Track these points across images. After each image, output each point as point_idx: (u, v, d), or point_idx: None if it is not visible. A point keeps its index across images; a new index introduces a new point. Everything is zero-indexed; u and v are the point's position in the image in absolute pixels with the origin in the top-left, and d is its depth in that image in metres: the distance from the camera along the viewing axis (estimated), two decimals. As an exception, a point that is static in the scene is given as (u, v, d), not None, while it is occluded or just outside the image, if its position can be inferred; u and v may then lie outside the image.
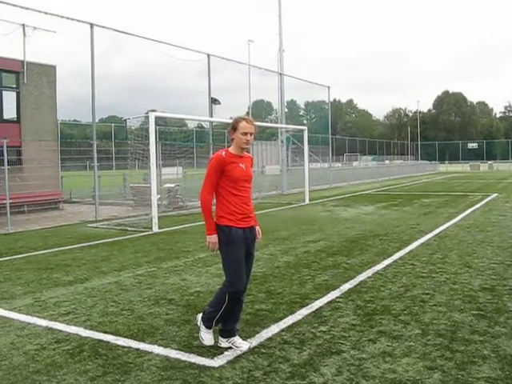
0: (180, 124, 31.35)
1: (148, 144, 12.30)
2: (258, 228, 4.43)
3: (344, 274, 7.05)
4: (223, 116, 19.62)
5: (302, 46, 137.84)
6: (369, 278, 6.84)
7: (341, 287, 6.38)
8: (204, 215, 4.17)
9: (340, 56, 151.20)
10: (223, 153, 4.18)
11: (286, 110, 26.70)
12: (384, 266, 7.53)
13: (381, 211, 15.05)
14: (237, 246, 4.11)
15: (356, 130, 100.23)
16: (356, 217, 13.78)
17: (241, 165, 4.18)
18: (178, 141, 22.95)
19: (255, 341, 4.52)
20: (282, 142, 24.52)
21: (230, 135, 4.25)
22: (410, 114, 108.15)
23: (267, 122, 59.95)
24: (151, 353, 4.35)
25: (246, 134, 4.17)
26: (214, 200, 4.27)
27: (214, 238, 4.14)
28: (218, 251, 4.21)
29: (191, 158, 25.76)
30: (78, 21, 14.09)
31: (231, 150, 4.22)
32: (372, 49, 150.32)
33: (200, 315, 4.53)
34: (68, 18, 13.77)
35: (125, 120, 15.90)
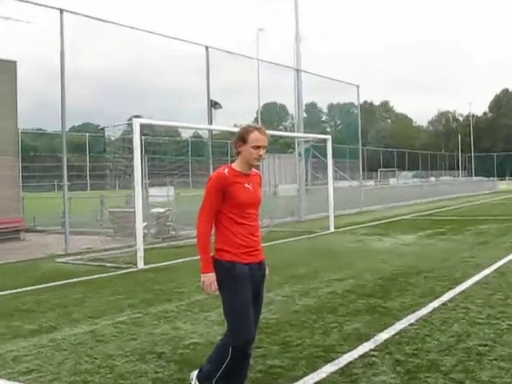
0: (172, 133, 31.79)
1: (131, 158, 12.58)
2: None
3: (379, 321, 7.15)
4: (225, 123, 19.82)
5: (324, 37, 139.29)
6: (411, 325, 6.92)
7: (375, 337, 6.43)
8: (198, 248, 4.26)
9: (371, 49, 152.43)
10: (225, 170, 4.28)
11: (305, 114, 27.09)
12: (430, 310, 7.63)
13: (425, 241, 15.37)
14: (242, 286, 4.19)
15: (393, 140, 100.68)
16: (394, 248, 14.11)
17: (247, 185, 4.29)
18: (170, 154, 23.41)
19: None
20: (300, 155, 24.87)
21: (235, 147, 4.36)
22: (461, 119, 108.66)
23: (281, 130, 60.20)
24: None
25: (258, 147, 4.28)
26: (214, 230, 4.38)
27: (210, 277, 4.23)
28: (218, 293, 4.30)
29: (186, 176, 26.06)
30: (46, 6, 14.10)
31: (236, 166, 4.33)
32: (412, 38, 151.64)
33: (196, 373, 4.57)
34: (30, 2, 13.85)
35: (102, 129, 16.24)
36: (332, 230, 18.73)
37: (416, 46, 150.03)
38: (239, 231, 4.24)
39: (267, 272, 4.55)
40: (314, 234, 17.87)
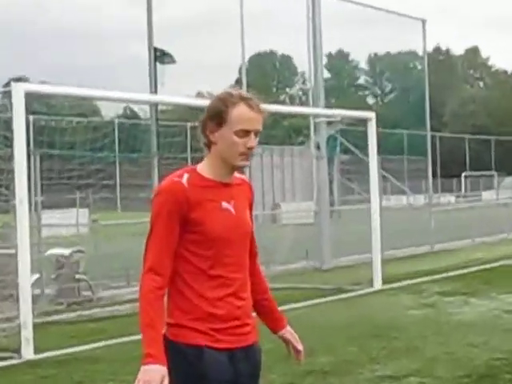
0: (84, 111, 30.95)
1: (10, 157, 12.68)
2: (289, 331, 4.45)
3: None
4: (182, 91, 18.80)
5: None
6: None
7: None
8: (141, 320, 3.89)
9: None
10: (184, 178, 3.96)
11: (327, 73, 24.77)
12: None
13: None
14: None
15: (488, 119, 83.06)
16: (492, 319, 13.79)
17: (225, 205, 4.02)
18: (80, 149, 21.98)
19: None
20: (319, 147, 23.60)
21: (204, 135, 4.03)
22: None
23: (283, 102, 55.53)
24: None
25: (246, 133, 3.94)
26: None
27: (156, 372, 3.85)
28: None
29: (110, 189, 24.75)
30: None
31: (204, 169, 4.06)
32: None
33: None
34: None
35: None
36: (378, 286, 18.19)
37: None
38: (211, 291, 3.99)
39: (300, 348, 4.46)
40: (346, 295, 17.60)
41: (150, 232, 3.95)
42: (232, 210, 4.05)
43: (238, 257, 4.06)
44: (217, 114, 3.98)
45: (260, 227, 21.51)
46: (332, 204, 26.00)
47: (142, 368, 3.87)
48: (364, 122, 19.70)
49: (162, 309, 3.97)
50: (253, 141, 4.00)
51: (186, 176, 4.00)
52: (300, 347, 4.41)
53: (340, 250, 23.42)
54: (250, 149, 4.00)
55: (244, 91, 4.19)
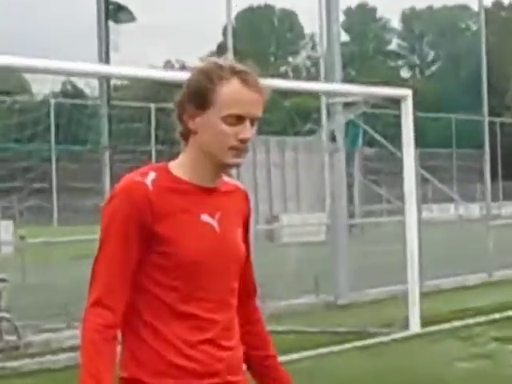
0: (8, 87, 31.18)
1: None
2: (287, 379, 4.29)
3: None
4: (143, 59, 18.97)
5: None
6: None
7: None
8: (82, 370, 3.64)
9: None
10: (149, 178, 3.69)
11: (346, 35, 26.26)
12: None
13: None
14: None
15: None
16: None
17: (205, 217, 3.76)
18: (1, 138, 23.82)
19: None
20: (334, 138, 23.21)
21: (182, 120, 3.73)
22: None
23: (286, 76, 55.90)
24: None
25: (239, 119, 3.66)
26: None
27: None
28: None
29: (42, 195, 25.98)
30: None
31: (178, 168, 3.80)
32: None
33: None
34: None
35: None
36: (416, 328, 18.13)
37: None
38: (182, 334, 3.70)
39: None
40: (372, 340, 17.47)
41: (99, 251, 3.64)
42: (215, 225, 3.69)
43: (220, 291, 3.71)
44: (199, 93, 3.66)
45: (252, 247, 21.30)
46: (352, 216, 25.72)
47: None
48: (397, 102, 19.36)
49: (112, 355, 3.61)
50: (248, 130, 3.65)
51: (151, 175, 3.66)
52: None
53: (362, 280, 22.77)
54: (244, 141, 3.64)
55: (237, 62, 3.83)
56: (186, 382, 3.61)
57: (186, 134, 3.67)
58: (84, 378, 3.51)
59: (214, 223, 3.67)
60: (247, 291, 3.91)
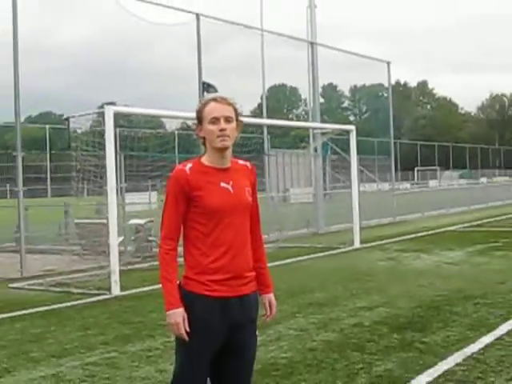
0: (154, 125, 33.24)
1: (103, 157, 13.71)
2: (269, 297, 4.89)
3: (418, 360, 7.78)
4: None
5: (343, 6, 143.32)
6: (458, 365, 7.53)
7: (413, 381, 7.09)
8: (160, 275, 4.60)
9: (404, 20, 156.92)
10: (187, 166, 4.60)
11: (322, 99, 30.69)
12: (482, 345, 8.28)
13: (475, 259, 16.59)
14: (200, 333, 4.51)
15: (433, 131, 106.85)
16: (436, 268, 15.23)
17: (223, 184, 4.59)
18: (152, 151, 24.67)
19: None
20: (316, 150, 26.95)
21: (197, 135, 4.73)
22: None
23: (292, 119, 63.39)
24: None
25: (216, 119, 4.55)
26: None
27: (177, 315, 4.50)
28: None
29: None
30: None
31: (205, 160, 4.65)
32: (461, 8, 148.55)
33: None
34: None
35: (67, 119, 16.88)
36: (357, 245, 20.30)
37: (469, 16, 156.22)
38: (212, 250, 4.57)
39: (272, 311, 4.89)
40: (335, 251, 19.39)
41: (164, 207, 4.63)
42: (230, 188, 4.61)
43: (236, 224, 4.60)
44: (197, 115, 4.63)
45: (275, 205, 25.26)
46: (325, 189, 28.82)
47: (166, 314, 4.54)
48: (347, 132, 21.94)
49: (176, 265, 4.58)
50: (222, 124, 4.52)
51: (189, 165, 4.60)
52: (271, 313, 4.90)
53: (331, 221, 26.28)
54: (222, 130, 4.51)
55: (217, 95, 4.76)
56: (211, 278, 4.51)
57: (203, 141, 4.58)
58: (162, 279, 4.52)
59: (229, 187, 4.56)
60: (253, 220, 4.74)
